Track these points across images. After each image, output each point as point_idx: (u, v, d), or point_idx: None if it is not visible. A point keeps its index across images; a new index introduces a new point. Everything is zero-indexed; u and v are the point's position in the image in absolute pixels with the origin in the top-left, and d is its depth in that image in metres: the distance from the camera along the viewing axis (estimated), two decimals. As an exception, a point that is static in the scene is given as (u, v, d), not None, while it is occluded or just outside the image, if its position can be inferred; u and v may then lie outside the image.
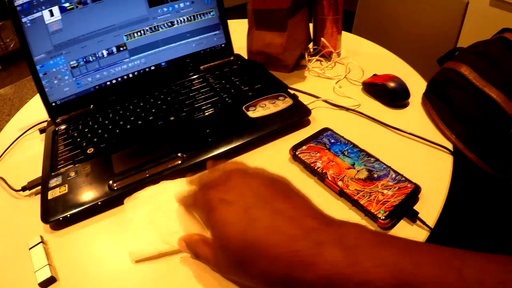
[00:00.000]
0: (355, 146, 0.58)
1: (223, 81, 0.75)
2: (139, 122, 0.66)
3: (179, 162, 0.57)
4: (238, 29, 0.87)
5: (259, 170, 0.38)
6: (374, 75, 0.75)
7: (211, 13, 0.79)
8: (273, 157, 0.60)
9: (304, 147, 0.59)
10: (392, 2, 1.25)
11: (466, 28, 1.09)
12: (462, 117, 0.61)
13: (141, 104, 0.71)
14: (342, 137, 0.60)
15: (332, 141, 0.60)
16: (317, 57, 0.85)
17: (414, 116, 0.67)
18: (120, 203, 0.53)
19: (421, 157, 0.59)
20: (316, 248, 0.28)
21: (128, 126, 0.65)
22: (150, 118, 0.67)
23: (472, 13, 1.10)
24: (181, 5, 0.76)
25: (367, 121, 0.66)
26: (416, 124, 0.64)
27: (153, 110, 0.69)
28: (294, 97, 0.69)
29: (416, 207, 0.49)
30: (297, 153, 0.58)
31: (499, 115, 0.57)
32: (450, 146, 0.60)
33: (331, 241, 0.28)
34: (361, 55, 0.88)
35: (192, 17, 0.78)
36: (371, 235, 0.29)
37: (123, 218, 0.51)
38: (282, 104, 0.67)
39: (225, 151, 0.58)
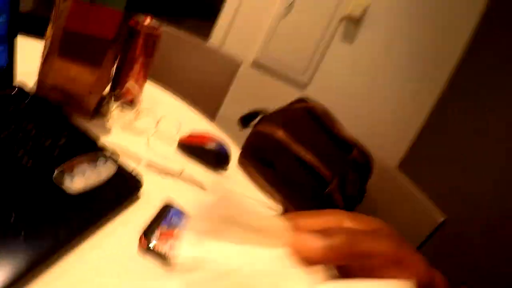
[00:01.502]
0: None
1: (11, 128, 0.50)
2: None
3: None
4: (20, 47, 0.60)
5: None
6: (190, 135, 0.68)
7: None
8: (116, 250, 0.44)
9: (156, 234, 0.46)
10: (167, 51, 1.19)
11: (233, 86, 1.18)
12: (286, 180, 0.66)
13: None
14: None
15: (184, 220, 0.50)
16: (118, 103, 0.70)
17: (238, 178, 0.68)
18: None
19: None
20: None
21: None
22: None
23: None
24: None
25: (195, 188, 0.60)
26: (246, 187, 0.64)
27: None
28: (114, 160, 0.54)
29: None
30: (151, 247, 0.44)
31: (315, 177, 0.65)
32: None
33: None
34: (160, 105, 0.80)
35: None
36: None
37: None
38: (105, 170, 0.51)
39: (50, 253, 0.38)
